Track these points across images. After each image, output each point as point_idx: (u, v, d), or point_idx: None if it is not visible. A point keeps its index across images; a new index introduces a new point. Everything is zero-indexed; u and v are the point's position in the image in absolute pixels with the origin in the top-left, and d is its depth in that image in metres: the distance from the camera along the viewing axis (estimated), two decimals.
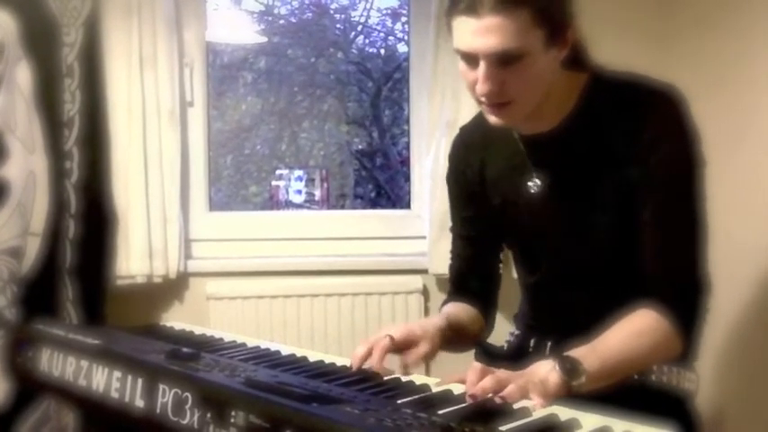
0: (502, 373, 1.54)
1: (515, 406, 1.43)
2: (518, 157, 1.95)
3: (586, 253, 1.89)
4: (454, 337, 1.95)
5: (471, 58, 1.73)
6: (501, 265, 2.15)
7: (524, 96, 1.76)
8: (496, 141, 2.01)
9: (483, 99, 1.77)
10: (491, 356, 2.05)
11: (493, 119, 1.81)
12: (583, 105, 1.86)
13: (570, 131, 1.86)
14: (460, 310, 2.08)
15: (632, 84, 1.83)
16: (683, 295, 1.76)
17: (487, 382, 1.49)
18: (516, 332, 2.15)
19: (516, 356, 1.98)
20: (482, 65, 1.70)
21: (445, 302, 2.15)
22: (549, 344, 1.95)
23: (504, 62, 1.69)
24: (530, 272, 2.05)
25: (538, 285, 2.04)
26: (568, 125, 1.86)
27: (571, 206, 1.88)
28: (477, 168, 2.06)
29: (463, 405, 1.43)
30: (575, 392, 1.56)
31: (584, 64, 1.89)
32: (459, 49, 1.74)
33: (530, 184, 1.92)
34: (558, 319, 1.99)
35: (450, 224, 2.20)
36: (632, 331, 1.71)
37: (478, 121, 2.05)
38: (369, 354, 1.74)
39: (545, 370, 1.57)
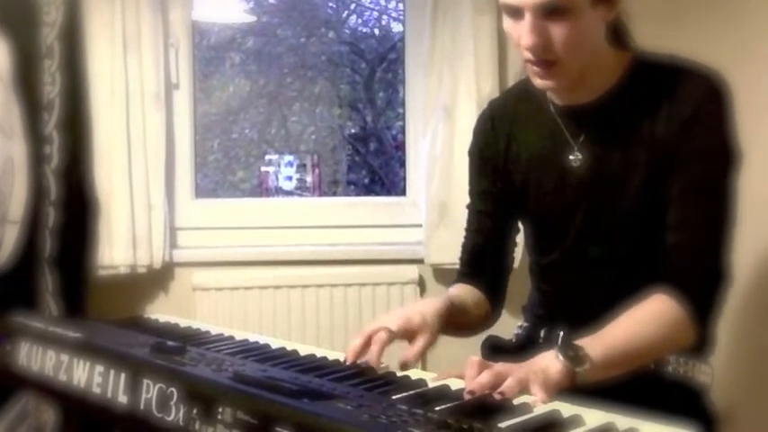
0: (501, 366, 1.54)
1: (516, 401, 1.43)
2: (554, 131, 1.97)
3: (614, 232, 1.91)
4: (455, 322, 1.94)
5: (516, 12, 1.77)
6: (515, 248, 2.18)
7: (570, 55, 1.79)
8: (526, 116, 2.05)
9: (528, 56, 1.79)
10: (498, 350, 2.05)
11: (539, 81, 1.85)
12: (625, 83, 1.90)
13: (611, 106, 1.90)
14: (466, 292, 2.09)
15: (676, 67, 1.88)
16: (702, 280, 1.78)
17: (485, 376, 1.48)
18: (524, 324, 2.16)
19: (525, 349, 1.98)
20: (527, 17, 1.75)
21: (453, 284, 2.15)
22: (561, 334, 1.95)
23: (549, 14, 1.73)
24: (545, 252, 2.06)
25: (552, 267, 2.05)
26: (609, 100, 1.90)
27: (609, 183, 1.90)
28: (503, 142, 2.09)
29: (461, 401, 1.43)
30: (580, 382, 1.57)
31: (627, 43, 1.94)
32: (505, 2, 1.78)
33: (571, 157, 1.94)
34: (571, 305, 2.00)
35: (447, 211, 2.20)
36: (643, 318, 1.73)
37: (508, 95, 2.18)
38: (365, 347, 1.74)
39: (547, 360, 1.58)
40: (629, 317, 1.71)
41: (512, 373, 1.51)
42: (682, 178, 1.81)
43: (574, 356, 1.58)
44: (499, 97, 2.24)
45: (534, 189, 2.02)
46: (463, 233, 2.19)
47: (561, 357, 1.58)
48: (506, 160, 2.08)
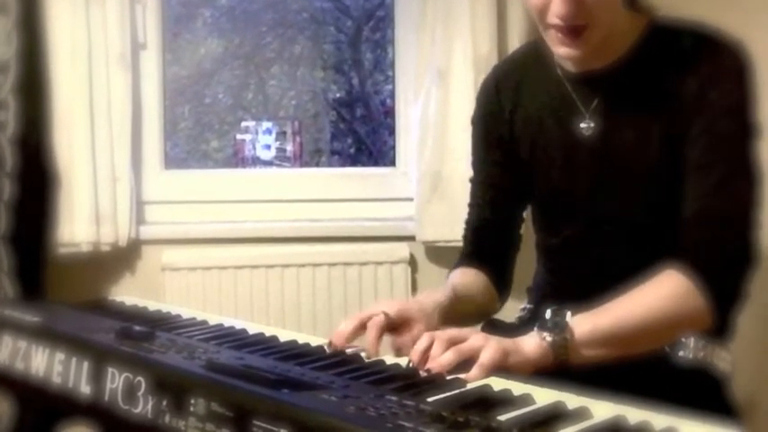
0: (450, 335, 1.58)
1: (518, 393, 1.42)
2: (562, 97, 1.98)
3: (628, 207, 1.92)
4: (459, 313, 1.95)
5: None
6: (522, 223, 2.19)
7: (600, 18, 1.79)
8: (533, 82, 2.06)
9: (558, 21, 1.79)
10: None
11: (564, 50, 1.85)
12: (640, 47, 1.90)
13: (626, 72, 1.90)
14: (471, 279, 2.10)
15: (696, 33, 1.87)
16: (723, 255, 1.76)
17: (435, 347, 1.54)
18: (529, 306, 2.16)
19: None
20: None
21: (456, 265, 2.16)
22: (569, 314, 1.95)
23: None
24: (554, 232, 2.07)
25: (562, 247, 2.06)
26: (625, 66, 1.90)
27: (623, 153, 1.90)
28: (508, 110, 2.10)
29: (457, 391, 1.43)
30: (560, 358, 1.63)
31: (642, 6, 1.93)
32: None
33: (582, 126, 1.94)
34: (580, 284, 1.99)
35: (441, 183, 2.20)
36: (649, 297, 1.73)
37: (514, 58, 2.20)
38: (356, 331, 1.74)
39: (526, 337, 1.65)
40: (634, 295, 1.72)
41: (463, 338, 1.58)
42: (699, 144, 1.80)
43: (553, 326, 1.64)
44: (504, 61, 2.26)
45: (541, 159, 2.03)
46: (458, 207, 2.20)
47: (539, 330, 1.64)
48: (512, 128, 2.09)
